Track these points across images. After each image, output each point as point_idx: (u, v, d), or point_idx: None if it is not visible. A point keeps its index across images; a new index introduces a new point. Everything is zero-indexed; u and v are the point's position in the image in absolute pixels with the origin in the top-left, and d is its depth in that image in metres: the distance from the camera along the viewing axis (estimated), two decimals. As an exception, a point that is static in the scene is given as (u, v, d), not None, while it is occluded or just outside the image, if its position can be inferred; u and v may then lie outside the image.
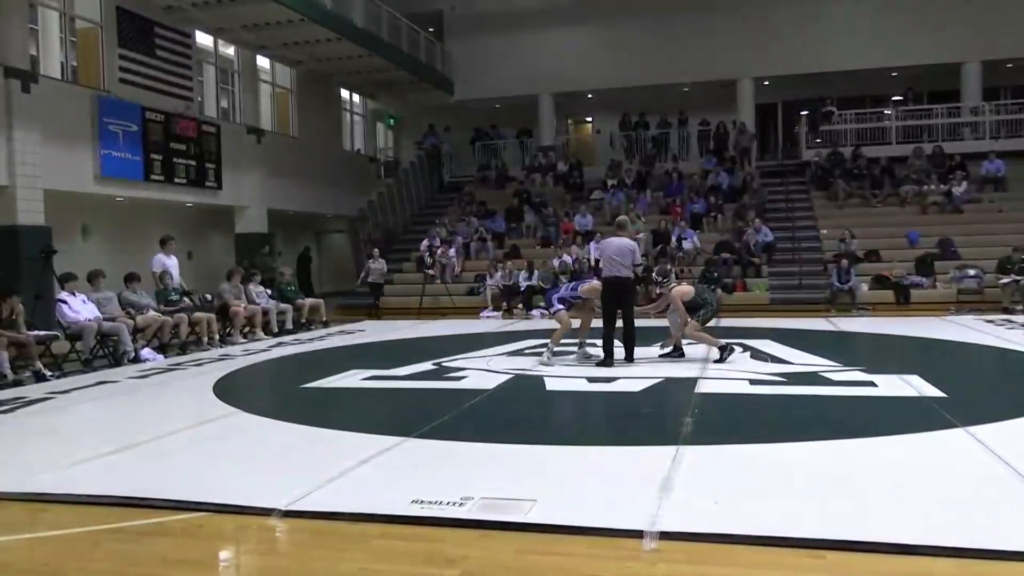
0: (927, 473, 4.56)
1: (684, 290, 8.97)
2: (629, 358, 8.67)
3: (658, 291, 9.33)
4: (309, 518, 4.03)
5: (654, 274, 9.53)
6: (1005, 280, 14.39)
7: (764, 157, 23.77)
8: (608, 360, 8.58)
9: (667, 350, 9.18)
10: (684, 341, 9.09)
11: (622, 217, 10.03)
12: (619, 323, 8.78)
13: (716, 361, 8.55)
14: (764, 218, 18.26)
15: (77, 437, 6.34)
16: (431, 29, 24.17)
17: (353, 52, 19.98)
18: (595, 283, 9.32)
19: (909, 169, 19.55)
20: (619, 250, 8.72)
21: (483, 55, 23.93)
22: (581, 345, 9.24)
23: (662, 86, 23.19)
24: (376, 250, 17.81)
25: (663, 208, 19.80)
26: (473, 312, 16.48)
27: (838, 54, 21.69)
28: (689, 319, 8.80)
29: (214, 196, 17.81)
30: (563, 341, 9.11)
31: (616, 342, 8.76)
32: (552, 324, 9.39)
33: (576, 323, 9.16)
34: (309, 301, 14.75)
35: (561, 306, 9.08)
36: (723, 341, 8.82)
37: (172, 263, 12.44)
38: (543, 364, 8.78)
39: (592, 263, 16.87)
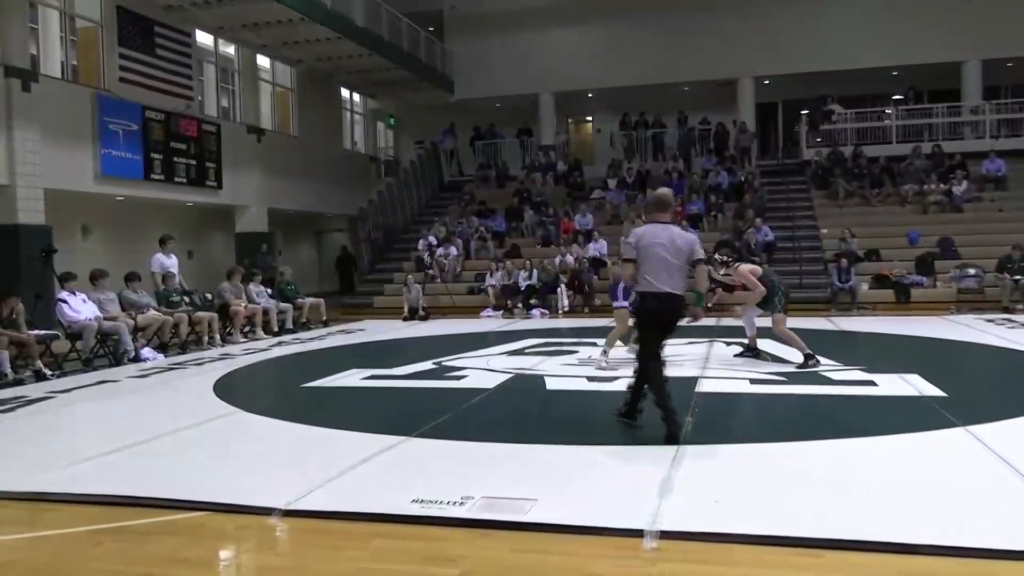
0: (927, 472, 4.56)
1: (753, 268, 8.27)
2: (672, 435, 5.19)
3: (723, 272, 8.42)
4: (309, 518, 4.03)
5: (716, 255, 8.44)
6: (1004, 278, 14.38)
7: (764, 156, 23.76)
8: (632, 415, 5.66)
9: (741, 349, 8.71)
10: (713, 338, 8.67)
11: (663, 190, 5.83)
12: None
13: (800, 366, 7.99)
14: (764, 217, 18.25)
15: (77, 436, 6.36)
16: (431, 28, 24.17)
17: (353, 51, 19.99)
18: None
19: (909, 168, 19.55)
20: (673, 245, 5.35)
21: (483, 54, 23.93)
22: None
23: (662, 86, 23.19)
24: (409, 277, 16.71)
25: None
26: (473, 312, 16.47)
27: (838, 54, 21.68)
28: (756, 310, 8.14)
29: (214, 195, 17.81)
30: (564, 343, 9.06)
31: None
32: (590, 322, 9.18)
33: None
34: (309, 300, 14.75)
35: (626, 302, 8.12)
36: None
37: (172, 263, 12.43)
38: (600, 369, 8.18)
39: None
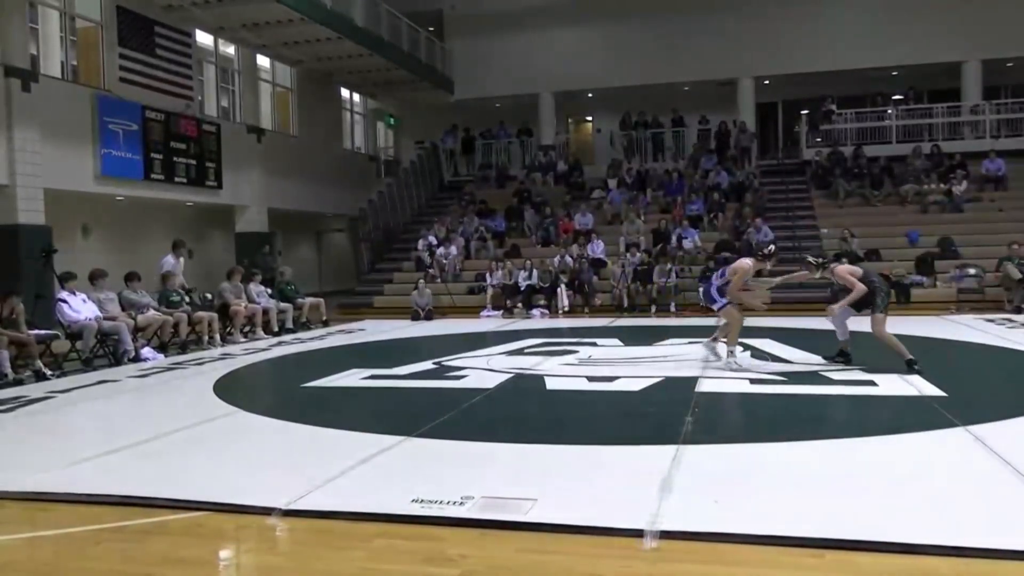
0: (927, 472, 4.56)
1: (852, 269, 7.75)
2: None
3: (819, 274, 8.05)
4: (309, 517, 4.03)
5: (808, 257, 8.33)
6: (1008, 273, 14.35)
7: (764, 156, 23.76)
8: None
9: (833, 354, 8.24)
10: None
11: None
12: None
13: (906, 371, 7.45)
14: (764, 217, 18.24)
15: (77, 436, 6.36)
16: (431, 28, 24.18)
17: (353, 51, 19.99)
18: (744, 262, 8.29)
19: (909, 168, 19.55)
20: None
21: (483, 54, 23.93)
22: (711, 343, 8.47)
23: (662, 86, 23.19)
24: (421, 281, 16.61)
25: (663, 207, 19.79)
26: (473, 312, 16.48)
27: (838, 54, 21.69)
28: (850, 311, 7.72)
29: (214, 195, 17.82)
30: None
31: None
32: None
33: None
34: (309, 300, 14.75)
35: (725, 300, 8.18)
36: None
37: (179, 266, 12.48)
38: (729, 368, 7.95)
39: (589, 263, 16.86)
